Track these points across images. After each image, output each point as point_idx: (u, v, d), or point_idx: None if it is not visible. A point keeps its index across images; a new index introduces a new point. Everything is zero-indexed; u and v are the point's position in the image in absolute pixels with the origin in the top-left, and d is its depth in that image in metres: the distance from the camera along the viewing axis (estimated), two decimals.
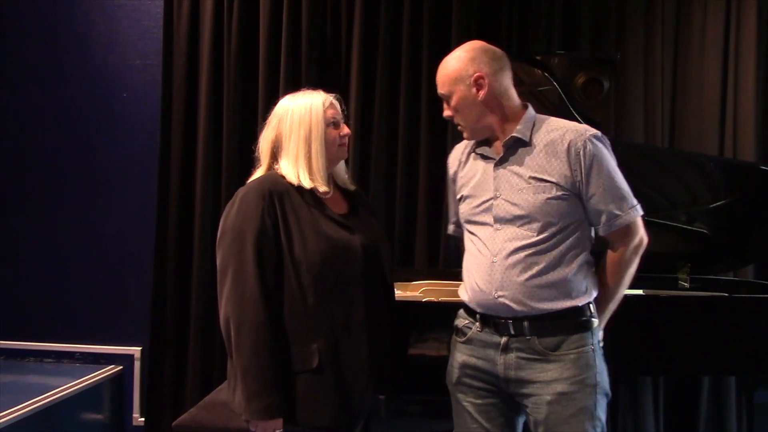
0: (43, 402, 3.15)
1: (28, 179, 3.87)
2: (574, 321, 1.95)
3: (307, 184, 2.00)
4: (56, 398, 3.23)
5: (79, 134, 3.82)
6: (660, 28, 3.39)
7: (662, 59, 3.38)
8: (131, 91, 3.79)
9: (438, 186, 3.45)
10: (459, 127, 2.05)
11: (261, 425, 1.92)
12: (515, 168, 1.97)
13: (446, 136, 3.43)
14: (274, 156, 2.07)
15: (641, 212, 1.96)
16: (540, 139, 1.96)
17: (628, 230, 1.95)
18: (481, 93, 1.97)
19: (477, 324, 2.03)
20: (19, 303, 3.85)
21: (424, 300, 2.88)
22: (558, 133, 1.95)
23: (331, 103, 2.09)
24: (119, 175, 3.78)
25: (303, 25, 3.48)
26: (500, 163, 2.00)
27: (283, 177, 2.02)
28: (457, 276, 3.16)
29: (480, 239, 2.01)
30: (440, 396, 2.25)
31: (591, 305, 1.98)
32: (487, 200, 2.00)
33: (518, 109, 2.01)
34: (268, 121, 2.10)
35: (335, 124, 2.07)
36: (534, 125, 1.99)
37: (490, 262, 1.97)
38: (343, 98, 3.42)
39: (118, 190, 3.77)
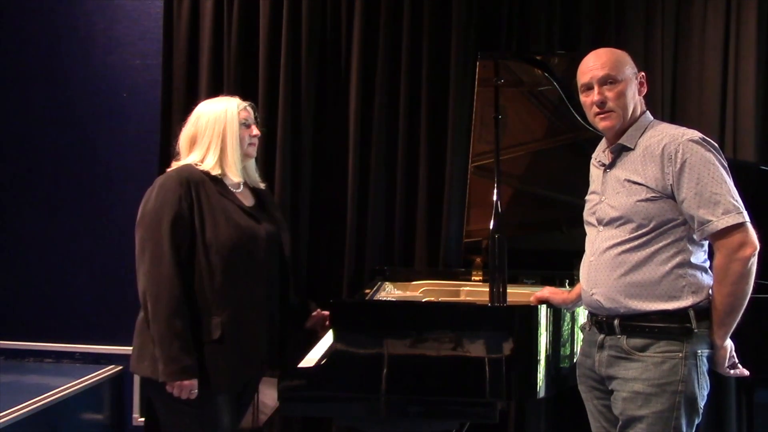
0: (43, 402, 3.14)
1: (27, 179, 3.87)
2: (665, 326, 1.94)
3: (217, 172, 2.28)
4: (56, 398, 3.23)
5: (78, 134, 3.83)
6: (660, 28, 3.39)
7: (662, 59, 3.38)
8: (131, 91, 3.79)
9: (438, 186, 3.45)
10: (603, 115, 2.04)
11: (178, 386, 2.14)
12: (617, 172, 2.05)
13: (446, 136, 3.43)
14: (192, 150, 2.33)
15: (742, 219, 1.88)
16: (642, 144, 2.01)
17: (722, 236, 1.88)
18: (644, 90, 2.10)
19: (588, 323, 2.14)
20: (19, 303, 3.85)
21: (424, 300, 2.88)
22: (657, 138, 1.99)
23: (245, 108, 2.40)
24: (119, 175, 3.78)
25: (303, 25, 3.48)
26: (609, 168, 2.08)
27: (197, 167, 2.28)
28: (457, 276, 3.19)
29: (588, 239, 2.12)
30: (440, 396, 2.25)
31: (690, 313, 1.93)
32: (596, 203, 2.10)
33: (637, 117, 2.07)
34: (187, 120, 2.39)
35: (246, 125, 2.37)
36: (644, 131, 2.04)
37: (589, 261, 2.08)
38: (343, 98, 3.50)
39: (117, 189, 3.77)
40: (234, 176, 2.31)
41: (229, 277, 2.20)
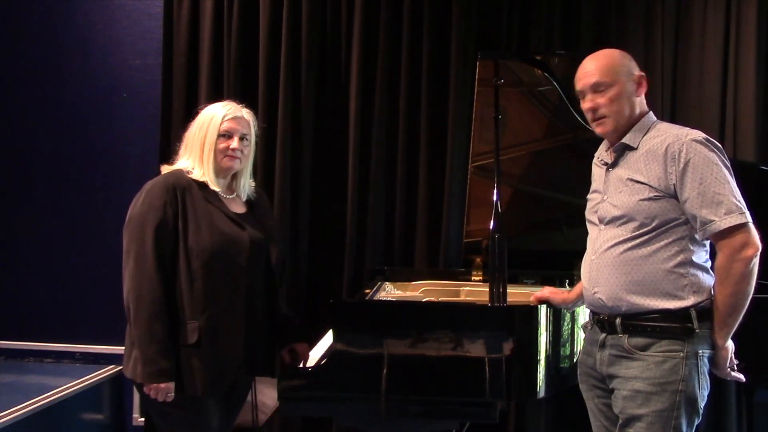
0: (43, 402, 3.14)
1: (27, 179, 3.87)
2: (667, 325, 1.94)
3: (205, 179, 2.27)
4: (56, 398, 3.23)
5: (78, 134, 3.82)
6: (660, 27, 3.39)
7: (662, 58, 3.38)
8: (131, 91, 3.79)
9: (438, 186, 3.45)
10: (598, 122, 2.05)
11: (154, 388, 2.16)
12: (619, 171, 2.05)
13: (446, 136, 3.44)
14: (185, 154, 2.34)
15: (744, 220, 1.89)
16: (645, 143, 2.02)
17: (724, 237, 1.89)
18: (642, 91, 2.07)
19: (590, 322, 2.15)
20: (19, 303, 3.85)
21: (424, 300, 2.88)
22: (660, 138, 1.99)
23: (233, 117, 2.31)
24: (119, 175, 3.78)
25: (303, 25, 3.48)
26: (611, 167, 2.09)
27: (188, 173, 2.28)
28: (457, 276, 3.19)
29: (589, 238, 2.13)
30: (440, 396, 2.25)
31: (692, 312, 1.93)
32: (598, 202, 2.11)
33: (641, 116, 2.07)
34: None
35: (226, 136, 2.28)
36: (647, 131, 2.04)
37: (590, 260, 2.09)
38: (343, 98, 3.51)
39: (117, 189, 3.76)
40: (213, 185, 2.28)
41: (208, 283, 2.20)
